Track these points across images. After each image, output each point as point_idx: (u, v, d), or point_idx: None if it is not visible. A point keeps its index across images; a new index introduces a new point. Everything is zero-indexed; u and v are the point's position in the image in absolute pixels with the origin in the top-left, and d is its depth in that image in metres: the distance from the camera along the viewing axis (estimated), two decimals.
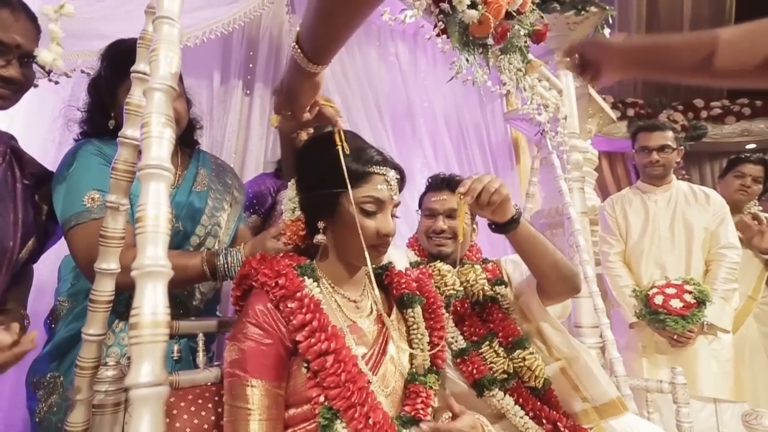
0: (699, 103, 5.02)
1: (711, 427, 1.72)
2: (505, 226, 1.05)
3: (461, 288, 1.22)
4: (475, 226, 1.35)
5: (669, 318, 1.66)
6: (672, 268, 1.90)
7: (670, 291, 1.70)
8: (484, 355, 1.13)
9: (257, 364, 0.75)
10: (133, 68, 0.75)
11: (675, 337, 1.74)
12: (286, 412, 0.78)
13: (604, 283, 2.07)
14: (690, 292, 1.67)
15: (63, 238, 1.01)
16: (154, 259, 0.47)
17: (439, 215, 1.28)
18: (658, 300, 1.70)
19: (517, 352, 1.13)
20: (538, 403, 1.07)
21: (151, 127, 0.54)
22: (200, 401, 0.96)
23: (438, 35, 1.24)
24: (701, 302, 1.66)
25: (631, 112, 4.82)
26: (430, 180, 1.37)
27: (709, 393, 1.74)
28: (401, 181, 0.91)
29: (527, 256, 1.12)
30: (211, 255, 1.01)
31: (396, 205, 0.89)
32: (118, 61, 1.03)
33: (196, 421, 0.93)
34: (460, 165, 2.76)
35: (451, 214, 1.26)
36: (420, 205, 1.38)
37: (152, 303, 0.45)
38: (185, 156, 1.20)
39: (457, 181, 1.31)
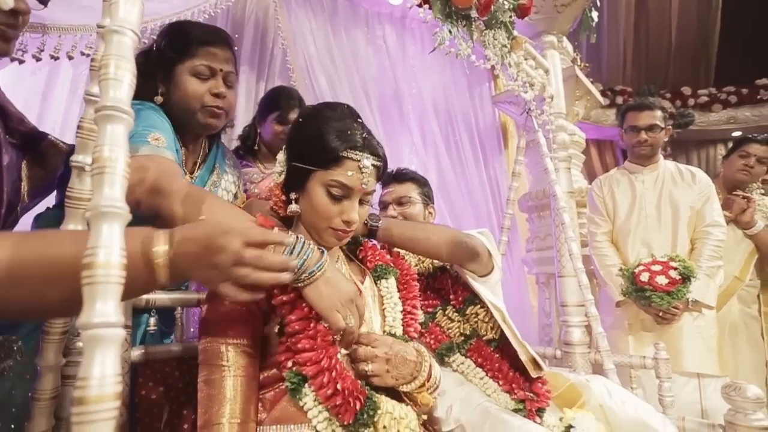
0: (687, 90, 5.06)
1: (695, 401, 1.74)
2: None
3: (416, 267, 1.28)
4: (432, 210, 1.42)
5: (654, 294, 1.67)
6: (658, 246, 1.91)
7: (656, 268, 1.71)
8: (439, 323, 1.17)
9: (232, 324, 0.75)
10: (97, 23, 0.72)
11: (660, 314, 1.75)
12: (261, 373, 0.77)
13: (591, 263, 2.08)
14: (675, 269, 1.68)
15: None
16: (111, 200, 0.45)
17: (389, 205, 1.37)
18: (644, 277, 1.70)
19: (470, 309, 1.17)
20: (497, 364, 1.09)
21: (109, 69, 0.51)
22: (177, 373, 0.95)
23: (420, 5, 1.22)
24: (686, 278, 1.67)
25: (620, 99, 4.84)
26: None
27: (693, 368, 1.75)
28: (380, 170, 0.88)
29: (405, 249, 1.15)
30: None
31: (368, 194, 0.87)
32: (182, 41, 1.03)
33: (172, 393, 0.92)
34: (448, 150, 2.75)
35: (400, 202, 1.36)
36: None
37: (107, 243, 0.43)
38: (205, 149, 1.19)
39: (404, 173, 1.41)
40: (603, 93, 4.79)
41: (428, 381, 0.84)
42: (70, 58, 1.44)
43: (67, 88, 1.95)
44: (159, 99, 1.03)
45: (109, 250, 0.42)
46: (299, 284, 0.76)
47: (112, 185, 0.45)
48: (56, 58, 1.45)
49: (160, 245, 0.55)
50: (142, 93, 1.02)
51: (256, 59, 2.40)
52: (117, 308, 0.41)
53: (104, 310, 0.40)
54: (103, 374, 0.39)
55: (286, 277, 0.66)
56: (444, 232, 1.12)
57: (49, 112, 1.91)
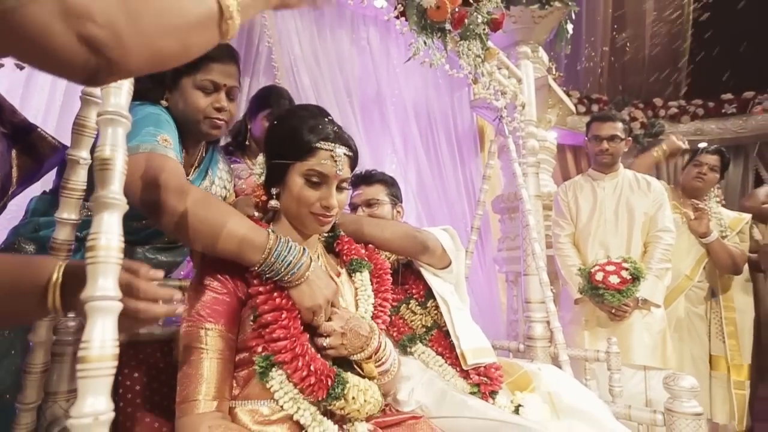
0: (658, 102, 5.29)
1: (640, 392, 1.89)
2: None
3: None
4: (400, 209, 1.49)
5: (607, 292, 1.81)
6: (615, 248, 2.06)
7: (610, 268, 1.85)
8: (403, 316, 1.26)
9: (212, 311, 0.82)
10: None
11: (613, 311, 1.90)
12: (236, 356, 0.85)
13: (555, 263, 2.21)
14: (627, 269, 1.83)
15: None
16: (111, 192, 0.52)
17: (358, 207, 1.42)
18: (599, 276, 1.85)
19: (430, 302, 1.26)
20: (455, 352, 1.20)
21: None
22: (158, 354, 1.01)
23: (397, 17, 1.30)
24: (636, 278, 1.82)
25: (595, 107, 5.03)
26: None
27: (641, 361, 1.91)
28: (352, 159, 0.97)
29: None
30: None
31: (343, 181, 0.95)
32: None
33: (153, 372, 0.99)
34: (426, 151, 2.84)
35: (368, 204, 1.40)
36: None
37: (107, 229, 0.50)
38: (202, 154, 1.23)
39: (372, 175, 1.47)
40: (579, 101, 4.97)
41: (375, 354, 0.92)
42: None
43: (50, 77, 1.97)
44: (164, 103, 1.08)
45: (110, 235, 0.50)
46: (285, 284, 0.84)
47: (112, 180, 0.53)
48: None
49: (54, 274, 0.58)
50: (151, 96, 1.07)
51: (241, 56, 2.43)
52: (115, 284, 0.49)
53: (105, 285, 0.48)
54: (103, 338, 0.47)
55: (160, 309, 0.62)
56: (397, 227, 1.21)
57: (31, 98, 1.92)
